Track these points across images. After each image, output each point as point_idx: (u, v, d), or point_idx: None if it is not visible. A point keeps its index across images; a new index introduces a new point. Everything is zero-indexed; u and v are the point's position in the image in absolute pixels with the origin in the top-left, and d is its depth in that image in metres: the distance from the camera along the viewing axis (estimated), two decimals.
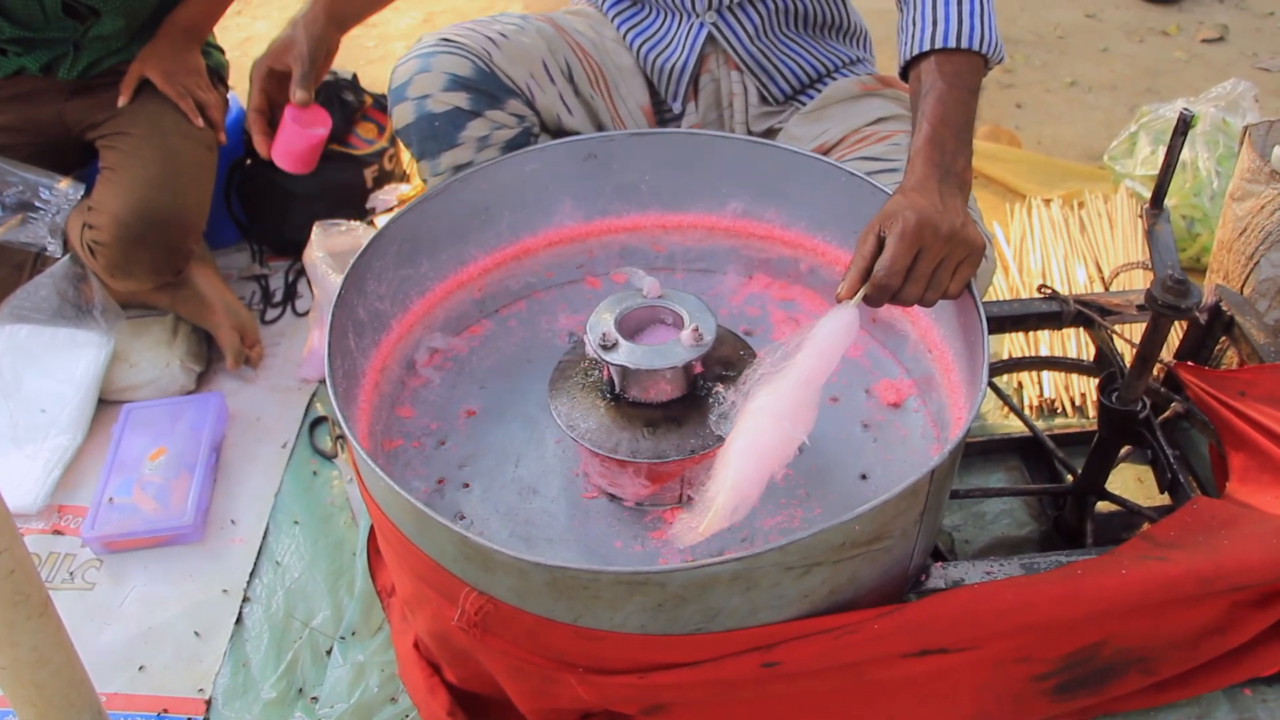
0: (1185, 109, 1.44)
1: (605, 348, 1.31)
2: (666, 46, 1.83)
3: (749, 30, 1.80)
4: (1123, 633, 1.27)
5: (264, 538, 1.86)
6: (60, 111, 2.15)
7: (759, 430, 1.18)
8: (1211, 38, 3.41)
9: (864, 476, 1.44)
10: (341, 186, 2.46)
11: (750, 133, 1.87)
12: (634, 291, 1.38)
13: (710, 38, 1.81)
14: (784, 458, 1.18)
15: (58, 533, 1.89)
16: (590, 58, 1.81)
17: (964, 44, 1.45)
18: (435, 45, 1.70)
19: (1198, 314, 1.69)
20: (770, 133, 1.89)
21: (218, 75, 2.29)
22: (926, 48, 1.46)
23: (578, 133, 1.82)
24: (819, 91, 1.86)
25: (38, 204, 2.02)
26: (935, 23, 1.46)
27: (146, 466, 1.92)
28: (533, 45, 1.76)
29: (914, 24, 1.49)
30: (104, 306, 2.10)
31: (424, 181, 1.80)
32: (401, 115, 1.71)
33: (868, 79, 1.85)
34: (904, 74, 1.53)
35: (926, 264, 1.25)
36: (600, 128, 1.86)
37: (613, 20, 1.87)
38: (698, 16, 1.79)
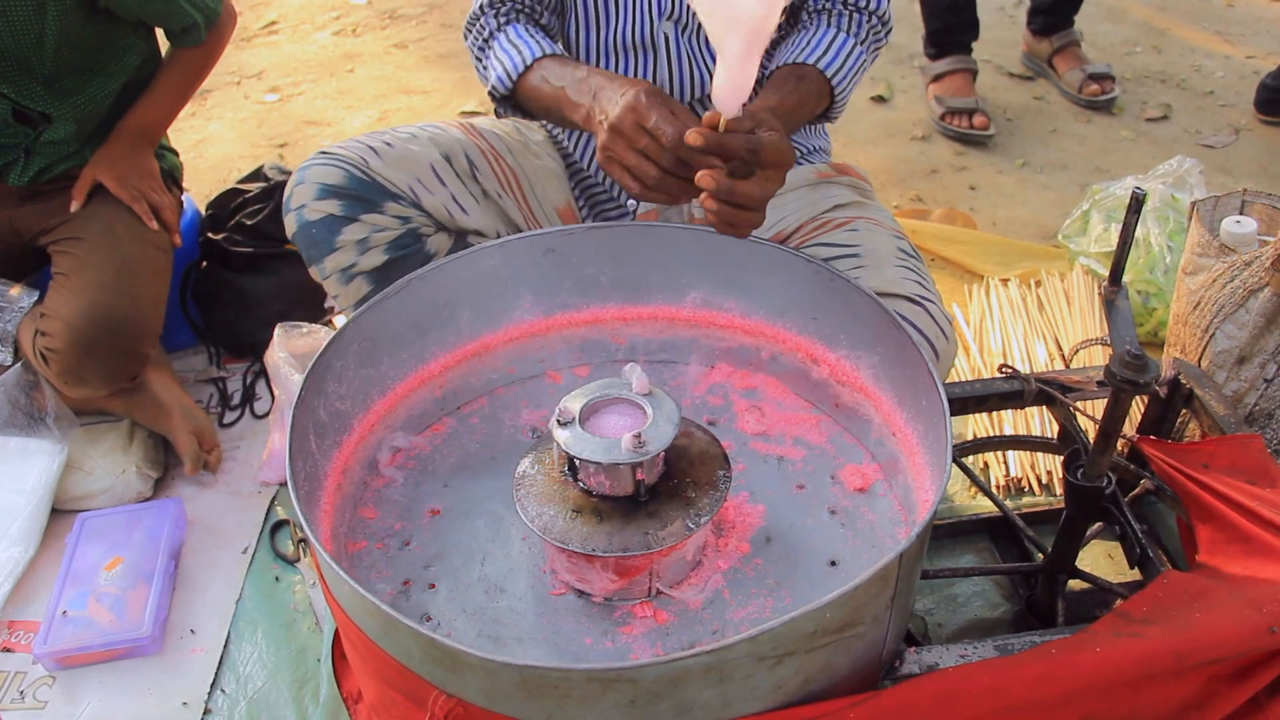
0: (1137, 187, 1.46)
1: (560, 423, 1.31)
2: None
3: None
4: (1101, 712, 1.26)
5: (225, 647, 1.82)
6: (11, 218, 2.14)
7: None
8: (1155, 116, 3.49)
9: (833, 563, 1.42)
10: (298, 287, 2.44)
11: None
12: (624, 383, 1.37)
13: None
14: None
15: (7, 650, 1.84)
16: (502, 160, 1.87)
17: (835, 82, 1.68)
18: (313, 158, 1.79)
19: (1157, 388, 1.70)
20: None
21: (172, 178, 2.29)
22: (812, 60, 1.67)
23: (479, 231, 1.87)
24: None
25: None
26: (826, 52, 1.68)
27: (102, 577, 1.88)
28: (420, 151, 1.82)
29: (809, 43, 1.69)
30: (57, 414, 2.07)
31: (320, 282, 1.84)
32: (289, 225, 1.79)
33: (824, 167, 1.87)
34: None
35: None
36: (512, 226, 1.91)
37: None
38: None
